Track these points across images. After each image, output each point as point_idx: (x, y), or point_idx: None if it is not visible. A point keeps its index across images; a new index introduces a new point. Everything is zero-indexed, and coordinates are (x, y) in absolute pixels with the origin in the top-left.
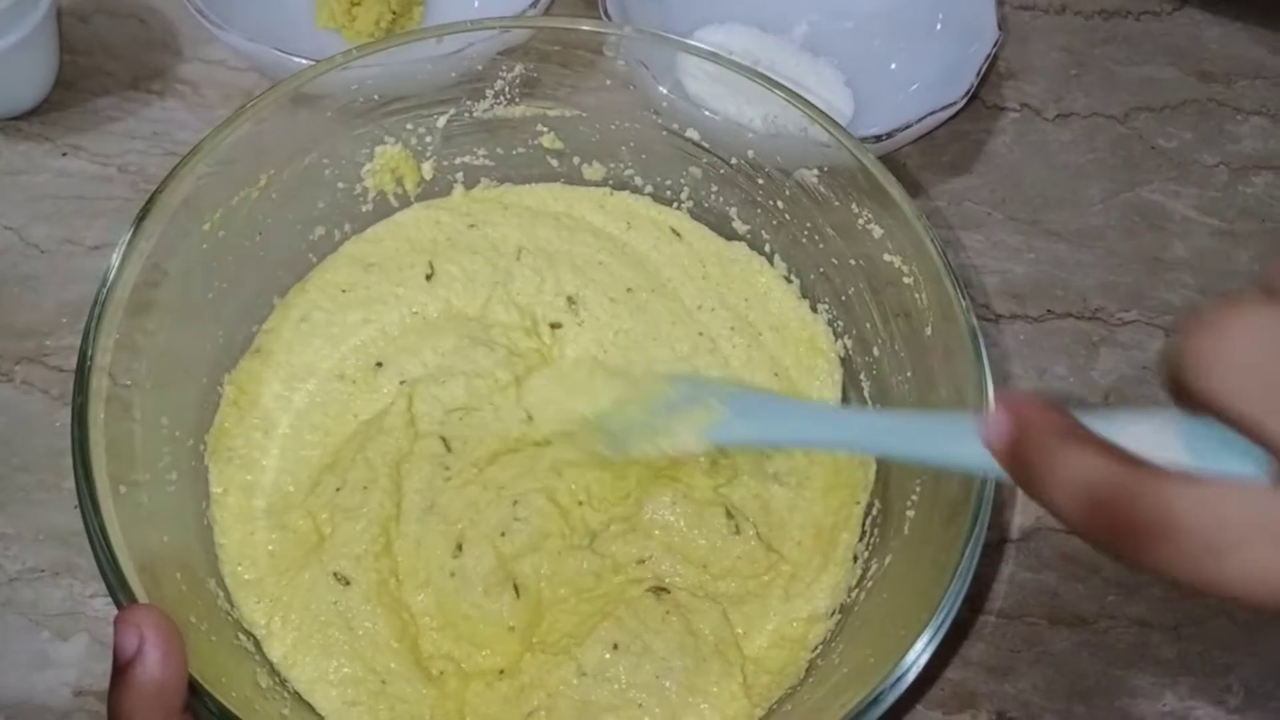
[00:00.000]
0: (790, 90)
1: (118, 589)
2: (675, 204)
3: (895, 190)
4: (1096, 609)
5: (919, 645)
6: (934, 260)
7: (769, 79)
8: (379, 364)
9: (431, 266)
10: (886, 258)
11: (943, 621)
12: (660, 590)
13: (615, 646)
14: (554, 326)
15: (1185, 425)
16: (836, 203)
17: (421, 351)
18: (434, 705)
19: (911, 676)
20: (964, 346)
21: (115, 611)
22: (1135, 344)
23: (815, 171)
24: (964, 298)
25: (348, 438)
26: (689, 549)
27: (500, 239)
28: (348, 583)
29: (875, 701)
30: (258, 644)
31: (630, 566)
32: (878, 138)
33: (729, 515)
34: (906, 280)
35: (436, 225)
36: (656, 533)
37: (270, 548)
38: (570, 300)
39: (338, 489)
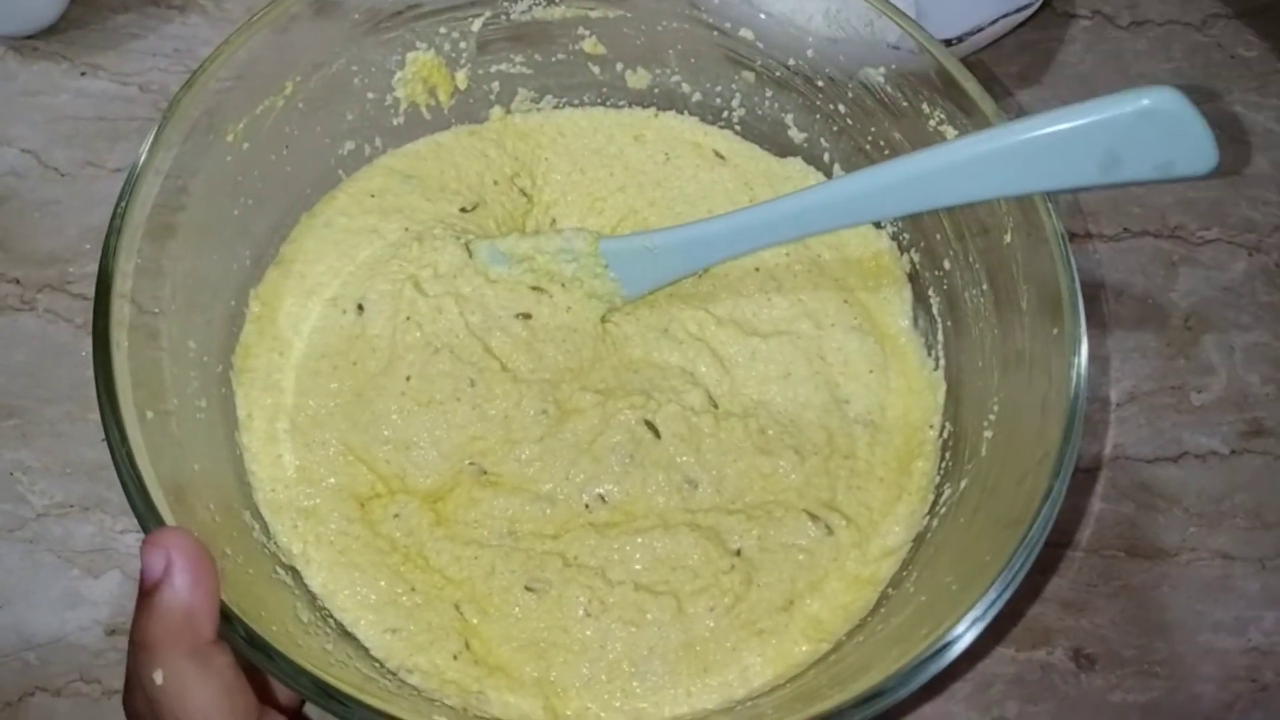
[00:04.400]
0: None
1: (148, 519)
2: (726, 112)
3: (973, 87)
4: (1178, 541)
5: (1009, 571)
6: None
7: None
8: (360, 306)
9: (475, 206)
10: None
11: (1033, 546)
12: (733, 553)
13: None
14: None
15: None
16: (905, 104)
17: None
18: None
19: (1002, 603)
20: (1049, 253)
21: None
22: (1216, 264)
23: (881, 71)
24: (1049, 200)
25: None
26: (776, 549)
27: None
28: (397, 515)
29: (960, 634)
30: (297, 577)
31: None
32: (947, 42)
33: (813, 518)
34: None
35: (484, 159)
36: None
37: (300, 472)
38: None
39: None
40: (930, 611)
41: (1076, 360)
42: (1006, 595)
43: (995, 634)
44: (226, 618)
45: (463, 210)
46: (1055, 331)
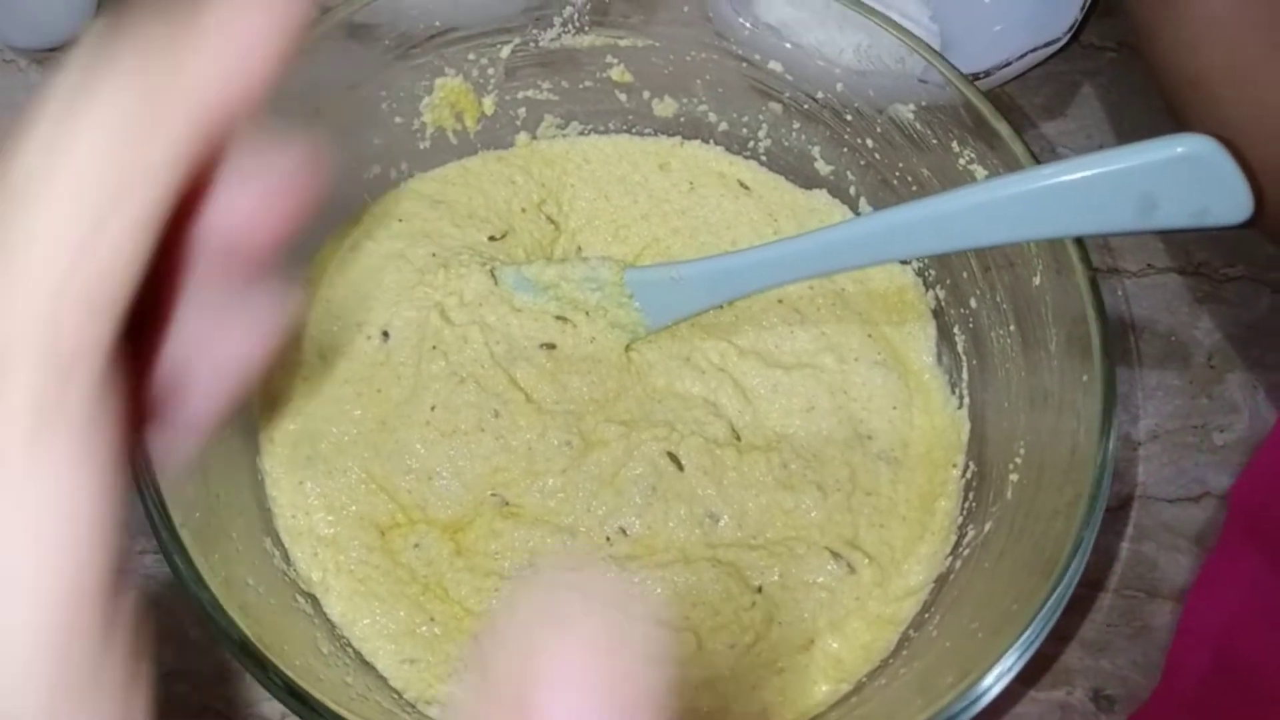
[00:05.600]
0: (886, 17)
1: (170, 545)
2: (752, 142)
3: (1004, 128)
4: None
5: (1038, 622)
6: None
7: (862, 4)
8: (385, 333)
9: (504, 234)
10: None
11: (1065, 593)
12: (755, 590)
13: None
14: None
15: None
16: (934, 141)
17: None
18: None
19: (1030, 654)
20: (1079, 295)
21: (166, 569)
22: (1241, 301)
23: (911, 107)
24: (1080, 241)
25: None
26: (797, 587)
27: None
28: (417, 545)
29: (987, 687)
30: (316, 605)
31: (739, 570)
32: (975, 76)
33: (835, 556)
34: None
35: (511, 185)
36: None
37: (322, 499)
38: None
39: (399, 448)
40: (955, 658)
41: (1108, 408)
42: (1034, 646)
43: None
44: (254, 656)
45: (491, 239)
46: (1085, 378)
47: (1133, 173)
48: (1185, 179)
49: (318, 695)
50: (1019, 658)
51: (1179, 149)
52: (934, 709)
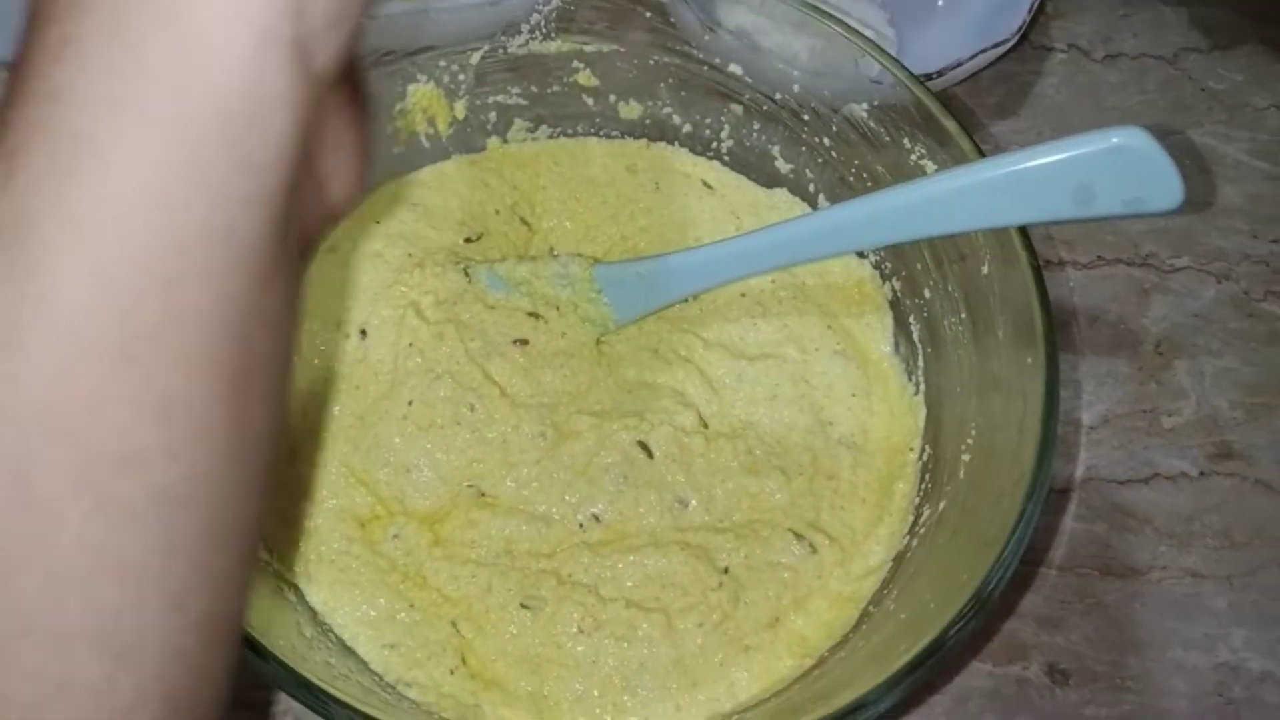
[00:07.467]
0: (840, 21)
1: None
2: (715, 143)
3: (951, 125)
4: (1149, 560)
5: (985, 589)
6: None
7: (817, 9)
8: (363, 331)
9: (479, 235)
10: None
11: (1008, 565)
12: (722, 571)
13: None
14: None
15: None
16: (887, 138)
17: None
18: (464, 647)
19: (978, 620)
20: (1024, 285)
21: None
22: (1187, 291)
23: (865, 107)
24: (1024, 233)
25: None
26: (762, 568)
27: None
28: (396, 536)
29: (940, 647)
30: (299, 593)
31: (703, 552)
32: (927, 76)
33: (798, 537)
34: None
35: (485, 188)
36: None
37: (303, 493)
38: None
39: (377, 442)
40: (910, 629)
41: (1050, 388)
42: (981, 615)
43: (973, 649)
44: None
45: (467, 240)
46: (1030, 360)
47: (1070, 164)
48: (1120, 169)
49: (303, 673)
50: (965, 625)
51: (1113, 140)
52: (885, 675)
